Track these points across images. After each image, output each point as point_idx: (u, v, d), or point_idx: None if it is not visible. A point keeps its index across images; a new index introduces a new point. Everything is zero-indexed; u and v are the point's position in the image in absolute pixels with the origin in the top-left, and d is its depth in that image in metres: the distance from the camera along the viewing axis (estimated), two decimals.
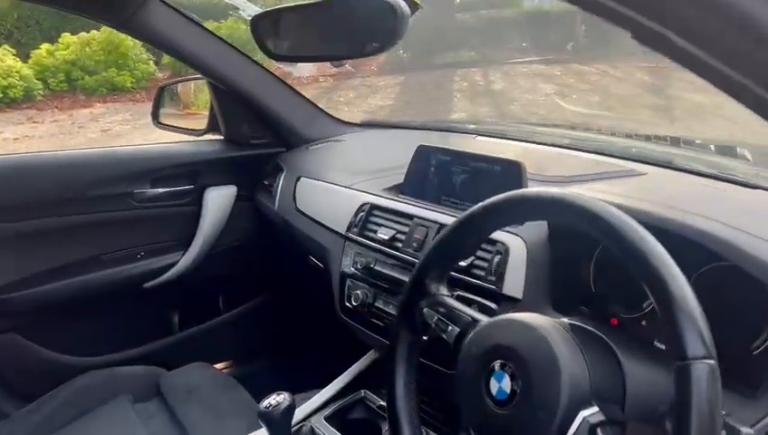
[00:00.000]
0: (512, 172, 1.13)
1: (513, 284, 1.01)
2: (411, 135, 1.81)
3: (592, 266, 0.99)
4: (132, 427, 1.42)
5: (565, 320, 0.78)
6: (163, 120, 2.01)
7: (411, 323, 0.87)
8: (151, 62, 9.71)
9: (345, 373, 1.33)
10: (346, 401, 1.30)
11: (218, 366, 1.91)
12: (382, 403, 1.27)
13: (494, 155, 1.17)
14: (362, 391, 1.32)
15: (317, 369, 1.88)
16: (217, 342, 1.94)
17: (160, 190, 1.75)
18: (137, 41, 8.04)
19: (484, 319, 0.79)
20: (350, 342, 1.40)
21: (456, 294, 1.03)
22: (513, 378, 0.68)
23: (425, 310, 0.84)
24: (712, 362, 0.56)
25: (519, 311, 0.95)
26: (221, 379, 1.60)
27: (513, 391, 0.67)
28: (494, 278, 1.02)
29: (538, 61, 9.90)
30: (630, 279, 0.90)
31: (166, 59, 9.42)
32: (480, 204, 0.80)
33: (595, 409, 0.64)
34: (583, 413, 0.64)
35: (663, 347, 0.86)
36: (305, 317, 1.96)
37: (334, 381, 1.32)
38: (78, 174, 1.62)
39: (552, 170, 1.21)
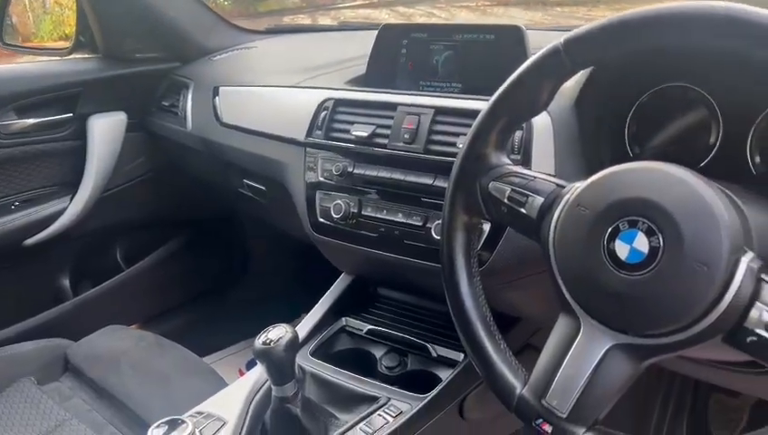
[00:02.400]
0: (510, 40, 0.98)
1: (542, 160, 0.88)
2: (331, 37, 1.60)
3: (628, 127, 0.88)
4: (48, 414, 1.13)
5: None
6: (8, 39, 1.60)
7: (469, 203, 0.71)
8: None
9: (321, 301, 1.15)
10: (327, 332, 1.12)
11: (133, 328, 1.62)
12: (371, 327, 1.11)
13: (484, 23, 1.01)
14: (343, 319, 1.14)
15: (267, 308, 1.67)
16: (128, 301, 1.64)
17: (30, 121, 1.39)
18: None
19: (566, 184, 0.65)
20: (312, 268, 1.22)
21: None
22: (649, 234, 0.55)
23: (490, 185, 0.69)
24: None
25: None
26: (150, 338, 1.34)
27: (653, 249, 0.55)
28: (519, 157, 0.89)
29: (365, 4, 9.78)
30: (681, 128, 0.85)
31: None
32: (564, 36, 0.64)
33: (752, 254, 0.54)
34: (744, 260, 0.53)
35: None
36: (239, 255, 1.72)
37: (311, 312, 1.13)
38: None
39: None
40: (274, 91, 1.23)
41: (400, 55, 1.09)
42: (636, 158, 0.87)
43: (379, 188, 1.02)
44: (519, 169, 0.69)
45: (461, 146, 0.72)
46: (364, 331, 1.12)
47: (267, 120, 1.20)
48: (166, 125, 1.50)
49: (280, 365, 0.87)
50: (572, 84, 0.89)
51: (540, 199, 0.66)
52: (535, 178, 0.68)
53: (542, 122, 0.89)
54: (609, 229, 0.58)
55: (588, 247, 0.59)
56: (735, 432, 1.19)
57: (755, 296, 0.53)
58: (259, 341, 0.87)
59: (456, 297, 0.71)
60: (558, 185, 0.66)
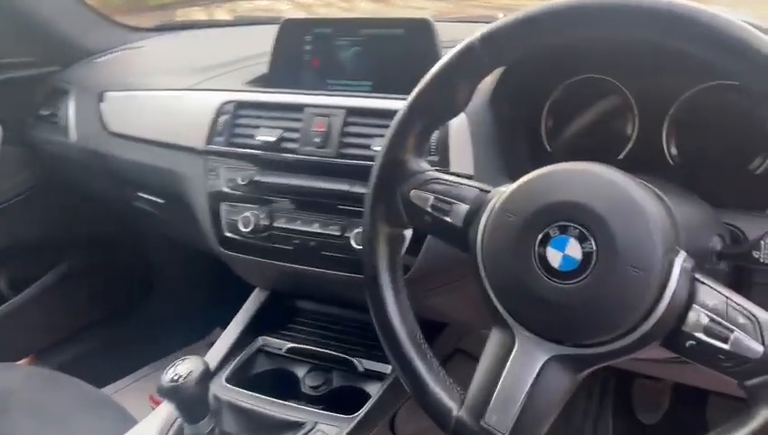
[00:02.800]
0: (420, 34, 0.93)
1: (461, 160, 0.84)
2: (228, 33, 1.50)
3: (544, 122, 0.86)
4: None
5: None
6: None
7: (390, 214, 0.66)
8: None
9: (234, 321, 1.07)
10: (242, 355, 1.04)
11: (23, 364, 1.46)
12: (292, 345, 1.04)
13: (391, 17, 0.96)
14: (259, 338, 1.06)
15: (177, 327, 1.55)
16: (15, 334, 1.47)
17: None
18: None
19: (490, 188, 0.61)
20: (225, 279, 1.13)
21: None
22: (581, 240, 0.52)
23: (411, 193, 0.64)
24: None
25: None
26: (43, 374, 1.21)
27: (586, 255, 0.52)
28: (436, 158, 0.84)
29: None
30: (597, 121, 0.83)
31: None
32: (479, 32, 0.60)
33: (684, 254, 0.52)
34: (678, 260, 0.51)
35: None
36: (142, 272, 1.59)
37: (223, 334, 1.05)
38: None
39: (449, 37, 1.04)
40: (167, 95, 1.12)
41: (304, 52, 1.02)
42: (553, 153, 0.85)
43: (291, 196, 0.94)
44: (441, 175, 0.65)
45: (377, 149, 0.67)
46: (284, 349, 1.04)
47: (161, 128, 1.09)
48: (47, 137, 1.35)
49: (192, 402, 0.79)
50: (486, 80, 0.85)
51: (465, 207, 0.61)
52: (459, 184, 0.63)
53: (458, 121, 0.84)
54: (540, 236, 0.54)
55: (518, 256, 0.55)
56: (659, 413, 1.22)
57: (692, 299, 0.51)
58: (166, 377, 0.78)
59: (383, 316, 0.66)
60: (482, 190, 0.62)
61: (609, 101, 0.81)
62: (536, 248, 0.54)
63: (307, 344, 1.03)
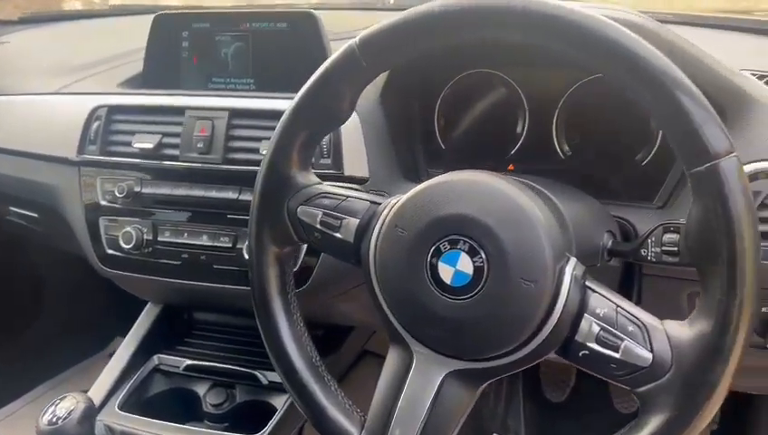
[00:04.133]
0: (304, 28, 0.88)
1: (354, 163, 0.81)
2: (102, 25, 1.38)
3: (437, 120, 0.84)
4: None
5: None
6: None
7: (278, 233, 0.62)
8: None
9: (126, 341, 0.99)
10: (136, 376, 0.97)
11: None
12: (190, 362, 0.98)
13: (273, 10, 0.90)
14: (155, 356, 1.00)
15: (70, 341, 1.44)
16: None
17: None
18: None
19: (382, 200, 0.59)
20: (117, 293, 1.05)
21: None
22: (472, 254, 0.50)
23: (299, 209, 0.60)
24: (736, 153, 0.46)
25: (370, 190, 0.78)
26: None
27: (477, 269, 0.50)
28: (329, 161, 0.81)
29: None
30: (489, 118, 0.82)
31: None
32: (359, 36, 0.56)
33: (574, 261, 0.52)
34: (568, 269, 0.51)
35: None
36: (27, 287, 1.47)
37: (115, 355, 0.97)
38: None
39: (338, 27, 1.00)
40: (34, 100, 1.01)
41: (182, 49, 0.94)
42: (448, 151, 0.83)
43: (175, 208, 0.87)
44: (329, 188, 0.61)
45: (266, 153, 0.62)
46: (181, 367, 0.98)
47: (27, 136, 0.99)
48: None
49: None
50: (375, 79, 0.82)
51: (355, 221, 0.58)
52: (347, 197, 0.60)
53: (350, 122, 0.80)
54: (431, 251, 0.52)
55: (411, 272, 0.53)
56: (566, 391, 1.25)
57: (583, 307, 0.50)
58: (43, 420, 0.71)
59: (277, 345, 0.62)
60: (373, 202, 0.59)
61: (500, 96, 0.80)
62: (428, 264, 0.52)
63: (206, 360, 0.98)
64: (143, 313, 1.04)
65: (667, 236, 0.58)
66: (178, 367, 0.98)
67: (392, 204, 0.57)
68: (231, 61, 0.93)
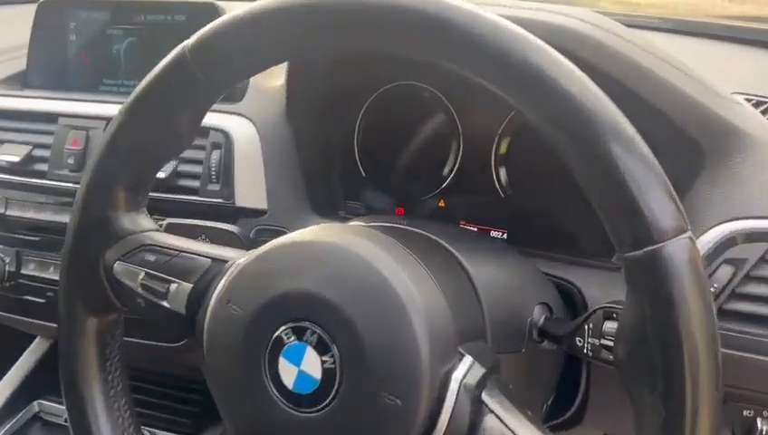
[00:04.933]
0: (206, 21, 0.72)
1: (250, 189, 0.66)
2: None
3: (357, 139, 0.68)
4: None
5: (360, 223, 0.50)
6: None
7: (92, 298, 0.47)
8: None
9: (3, 381, 0.85)
10: (13, 423, 0.83)
11: None
12: None
13: (171, 0, 0.75)
14: (35, 402, 0.85)
15: None
16: None
17: None
18: None
19: (235, 255, 0.43)
20: None
21: (168, 222, 0.63)
22: (321, 349, 0.36)
23: (116, 265, 0.45)
24: (689, 233, 0.30)
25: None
26: None
27: (326, 372, 0.36)
28: (217, 188, 0.65)
29: None
30: (418, 139, 0.66)
31: None
32: (183, 44, 0.42)
33: (468, 361, 0.36)
34: (457, 374, 0.36)
35: (500, 234, 0.62)
36: None
37: None
38: None
39: None
40: None
41: (69, 43, 0.79)
42: (369, 178, 0.68)
43: (42, 235, 0.72)
44: (159, 236, 0.46)
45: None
46: (64, 417, 0.83)
47: None
48: None
49: None
50: (279, 87, 0.67)
51: (187, 287, 0.43)
52: (180, 252, 0.45)
53: (245, 137, 0.66)
54: (272, 340, 0.38)
55: (247, 369, 0.39)
56: None
57: (474, 429, 0.36)
58: None
59: None
60: (216, 259, 0.44)
61: (431, 115, 0.64)
62: (267, 359, 0.38)
63: None
64: (30, 347, 0.89)
65: (609, 326, 0.42)
66: (61, 416, 0.84)
67: (239, 264, 0.42)
68: (123, 58, 0.77)
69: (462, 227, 0.63)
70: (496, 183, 0.62)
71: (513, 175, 0.61)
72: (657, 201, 0.30)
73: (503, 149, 0.61)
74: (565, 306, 0.53)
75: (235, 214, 0.65)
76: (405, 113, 0.65)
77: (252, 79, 0.69)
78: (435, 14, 0.33)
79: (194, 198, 0.66)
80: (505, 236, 0.62)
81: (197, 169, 0.67)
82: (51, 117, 0.73)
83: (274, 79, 0.68)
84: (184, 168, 0.67)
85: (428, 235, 0.47)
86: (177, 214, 0.66)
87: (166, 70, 0.42)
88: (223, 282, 0.42)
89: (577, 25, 0.49)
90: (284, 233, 0.64)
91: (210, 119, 0.66)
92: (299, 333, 0.37)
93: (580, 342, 0.44)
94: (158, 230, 0.47)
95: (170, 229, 0.57)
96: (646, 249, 0.30)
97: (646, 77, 0.49)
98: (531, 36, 0.32)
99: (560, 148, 0.32)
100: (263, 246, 0.41)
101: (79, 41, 0.79)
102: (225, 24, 0.40)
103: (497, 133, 0.61)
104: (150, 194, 0.66)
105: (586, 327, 0.43)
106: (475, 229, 0.63)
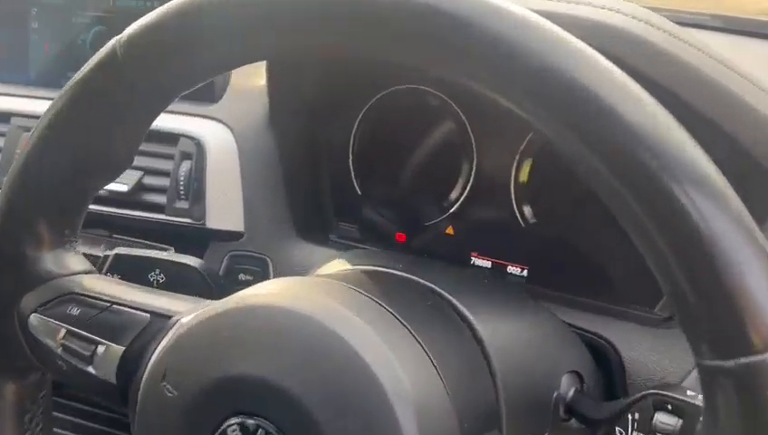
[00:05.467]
0: None
1: (224, 207, 0.56)
2: None
3: (352, 151, 0.58)
4: None
5: (342, 262, 0.42)
6: None
7: (9, 354, 0.38)
8: None
9: None
10: None
11: None
12: None
13: None
14: None
15: None
16: None
17: None
18: None
19: (183, 307, 0.34)
20: None
21: (115, 253, 0.53)
22: None
23: (32, 318, 0.35)
24: None
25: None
26: None
27: None
28: (186, 205, 0.56)
29: None
30: (423, 153, 0.58)
31: None
32: (115, 38, 0.32)
33: None
34: None
35: (519, 270, 0.51)
36: None
37: None
38: None
39: None
40: None
41: (31, 32, 0.70)
42: (365, 197, 0.58)
43: None
44: (88, 281, 0.37)
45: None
46: None
47: None
48: None
49: None
50: (262, 88, 0.57)
51: (118, 350, 0.34)
52: (113, 303, 0.35)
53: (220, 145, 0.57)
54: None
55: None
56: None
57: None
58: None
59: None
60: (157, 314, 0.34)
61: (439, 125, 0.54)
62: None
63: None
64: None
65: (662, 421, 0.32)
66: None
67: (182, 324, 0.32)
68: (90, 50, 0.68)
69: (472, 270, 0.53)
70: (516, 209, 0.51)
71: (537, 199, 0.51)
72: (759, 294, 0.20)
73: (525, 167, 0.51)
74: (596, 367, 0.43)
75: (205, 237, 0.56)
76: (408, 121, 0.55)
77: (231, 75, 0.60)
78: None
79: (159, 216, 0.57)
80: (525, 273, 0.52)
81: (166, 181, 0.57)
82: (2, 116, 0.64)
83: (257, 78, 0.58)
84: (149, 180, 0.58)
85: (430, 285, 0.37)
86: (140, 234, 0.57)
87: (92, 72, 0.32)
88: (160, 348, 0.32)
89: (628, 25, 0.39)
90: (264, 260, 0.54)
91: (180, 123, 0.57)
92: (246, 432, 0.27)
93: (621, 433, 0.34)
94: (89, 272, 0.37)
95: (117, 264, 0.47)
96: (739, 361, 0.20)
97: (714, 93, 0.39)
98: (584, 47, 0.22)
99: (609, 201, 0.22)
100: (212, 306, 0.31)
101: (41, 29, 0.70)
102: (171, 12, 0.30)
103: (519, 149, 0.51)
104: (110, 210, 0.58)
105: (630, 417, 0.34)
106: (489, 264, 0.53)
